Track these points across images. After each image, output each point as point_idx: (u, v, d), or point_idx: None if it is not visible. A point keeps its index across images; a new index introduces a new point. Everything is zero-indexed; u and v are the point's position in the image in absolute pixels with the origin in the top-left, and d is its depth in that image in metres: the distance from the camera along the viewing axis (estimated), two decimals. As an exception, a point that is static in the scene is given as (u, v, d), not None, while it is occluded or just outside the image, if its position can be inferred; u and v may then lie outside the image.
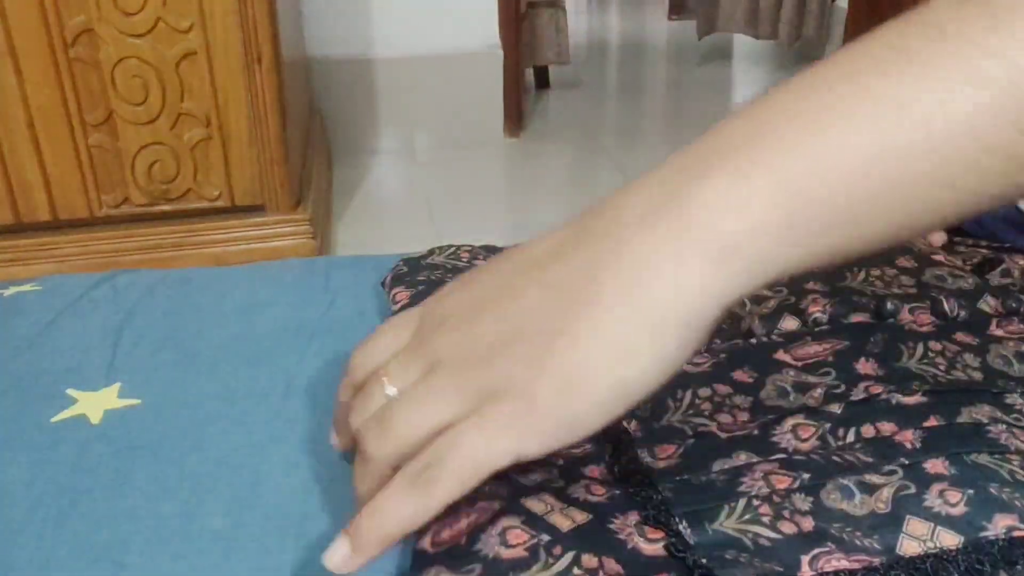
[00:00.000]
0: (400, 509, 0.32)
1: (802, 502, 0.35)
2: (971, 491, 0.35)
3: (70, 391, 0.48)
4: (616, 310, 0.31)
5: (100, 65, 1.36)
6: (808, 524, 0.34)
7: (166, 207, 1.49)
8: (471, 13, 2.14)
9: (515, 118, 2.26)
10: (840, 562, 0.33)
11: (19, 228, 1.46)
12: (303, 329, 0.54)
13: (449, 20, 2.14)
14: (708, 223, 0.30)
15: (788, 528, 0.34)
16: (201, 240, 1.51)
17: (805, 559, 0.33)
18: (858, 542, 0.33)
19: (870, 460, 0.37)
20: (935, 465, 0.37)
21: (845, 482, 0.36)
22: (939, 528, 0.34)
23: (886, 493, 0.35)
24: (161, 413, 0.47)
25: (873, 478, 0.36)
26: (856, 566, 0.33)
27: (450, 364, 0.34)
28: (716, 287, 0.30)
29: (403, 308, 0.52)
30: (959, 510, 0.34)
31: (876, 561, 0.33)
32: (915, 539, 0.34)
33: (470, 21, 2.15)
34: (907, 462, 0.37)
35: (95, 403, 0.47)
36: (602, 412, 0.31)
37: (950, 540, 0.33)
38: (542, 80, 2.69)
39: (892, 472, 0.37)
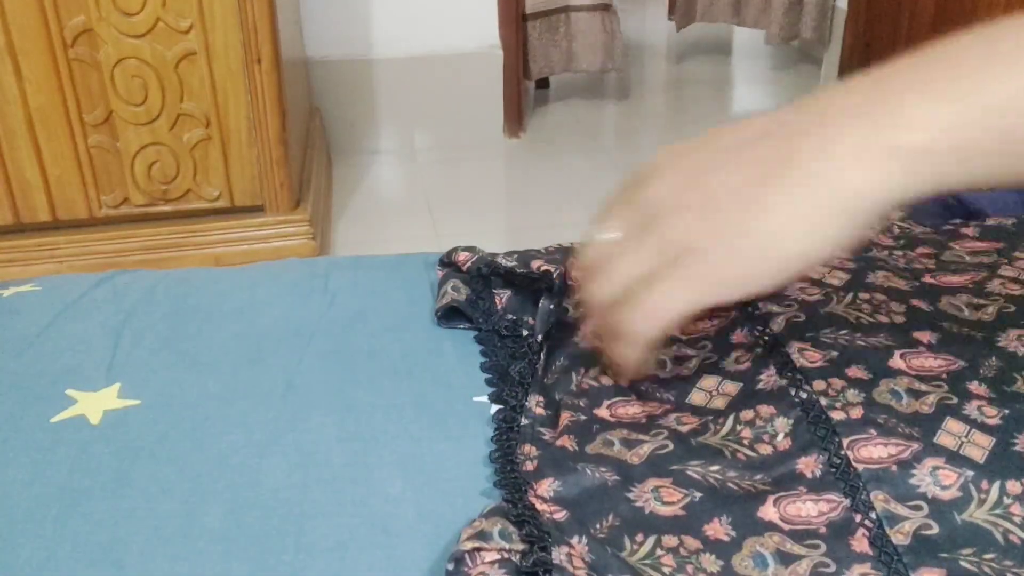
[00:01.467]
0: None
1: (855, 396, 0.41)
2: (1007, 410, 0.40)
3: (70, 391, 0.48)
4: (808, 190, 0.37)
5: (100, 65, 1.36)
6: (857, 413, 0.40)
7: (166, 207, 1.49)
8: (471, 14, 2.15)
9: (515, 118, 2.26)
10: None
11: (19, 228, 1.46)
12: (303, 329, 0.54)
13: (449, 20, 2.14)
14: (899, 133, 0.36)
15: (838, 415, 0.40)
16: (201, 240, 1.51)
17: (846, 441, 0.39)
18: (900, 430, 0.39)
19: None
20: (976, 388, 0.42)
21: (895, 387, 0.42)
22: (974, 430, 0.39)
23: (931, 399, 0.41)
24: (161, 413, 0.47)
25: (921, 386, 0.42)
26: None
27: (659, 227, 0.40)
28: (891, 185, 0.36)
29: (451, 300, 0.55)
30: (994, 421, 0.39)
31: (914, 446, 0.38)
32: (952, 435, 0.39)
33: (470, 21, 2.15)
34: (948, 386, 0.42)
35: (95, 403, 0.47)
36: (772, 274, 0.38)
37: (983, 440, 0.38)
38: (542, 81, 2.69)
39: (939, 386, 0.42)
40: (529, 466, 0.42)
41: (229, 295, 0.59)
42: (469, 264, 0.56)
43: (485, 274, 0.56)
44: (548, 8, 2.30)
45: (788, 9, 2.70)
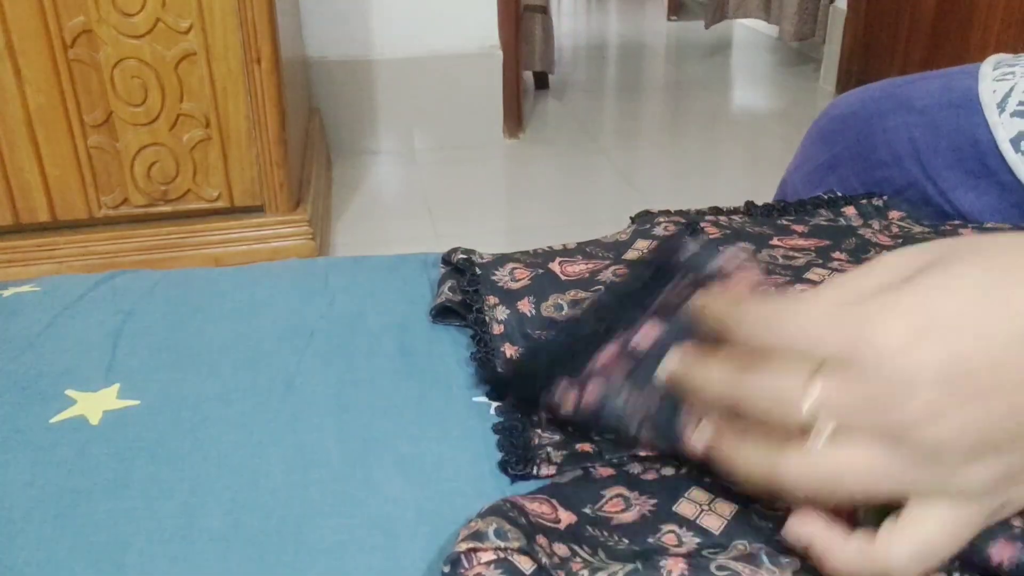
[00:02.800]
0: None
1: None
2: None
3: (69, 392, 0.48)
4: None
5: (99, 66, 1.36)
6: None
7: (165, 208, 1.49)
8: (470, 14, 2.15)
9: (514, 119, 2.26)
10: None
11: (18, 229, 1.46)
12: (302, 329, 0.54)
13: (448, 21, 2.14)
14: None
15: None
16: (200, 241, 1.51)
17: None
18: None
19: None
20: None
21: None
22: None
23: None
24: (160, 414, 0.47)
25: None
26: None
27: (923, 453, 0.31)
28: None
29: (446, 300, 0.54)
30: None
31: None
32: None
33: (469, 22, 2.15)
34: None
35: (94, 404, 0.47)
36: None
37: None
38: (541, 81, 2.69)
39: None
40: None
41: (228, 295, 0.59)
42: (457, 262, 0.57)
43: (463, 268, 0.57)
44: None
45: (800, 9, 2.72)
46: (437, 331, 0.55)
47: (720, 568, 0.35)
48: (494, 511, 0.38)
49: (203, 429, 0.46)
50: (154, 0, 1.33)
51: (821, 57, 2.76)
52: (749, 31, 3.49)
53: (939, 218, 0.67)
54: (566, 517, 0.38)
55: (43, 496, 0.41)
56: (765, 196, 0.82)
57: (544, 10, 2.37)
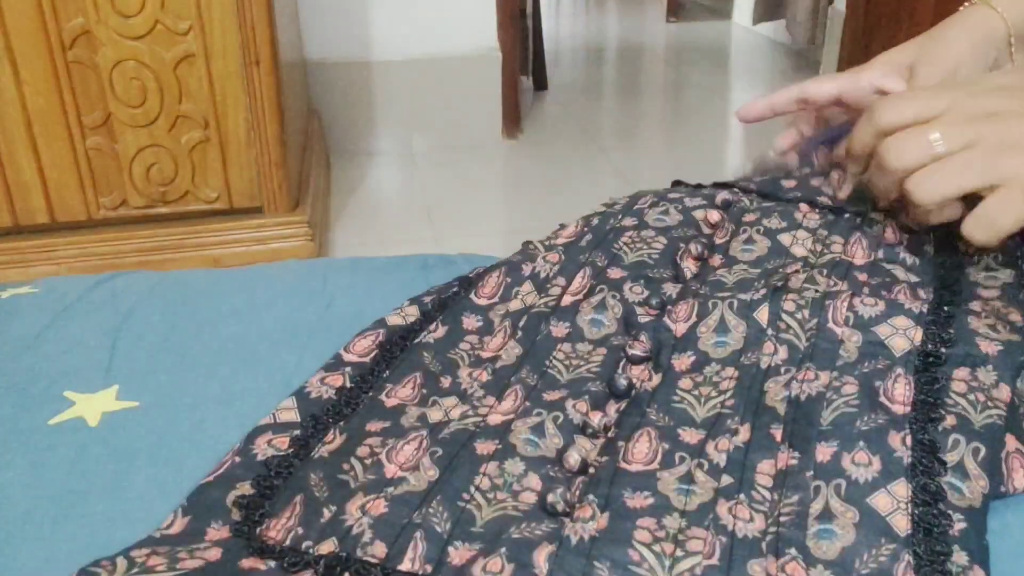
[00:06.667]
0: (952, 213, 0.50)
1: None
2: None
3: (68, 393, 0.48)
4: None
5: (98, 67, 1.36)
6: None
7: (164, 209, 1.49)
8: (469, 16, 2.15)
9: (513, 120, 2.26)
10: None
11: (17, 230, 1.46)
12: (301, 331, 0.54)
13: (447, 23, 2.14)
14: None
15: None
16: (199, 242, 1.51)
17: None
18: None
19: None
20: None
21: None
22: None
23: None
24: (159, 415, 0.47)
25: None
26: None
27: (990, 147, 0.46)
28: None
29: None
30: None
31: None
32: None
33: (468, 24, 2.15)
34: None
35: (93, 405, 0.47)
36: None
37: None
38: (540, 82, 2.69)
39: None
40: None
41: (227, 297, 0.59)
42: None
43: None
44: None
45: (812, 12, 2.73)
46: (436, 332, 0.55)
47: None
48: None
49: (202, 430, 0.46)
50: (153, 2, 1.33)
51: (820, 58, 2.76)
52: (748, 33, 3.50)
53: None
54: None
55: (42, 497, 0.41)
56: (763, 197, 0.82)
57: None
